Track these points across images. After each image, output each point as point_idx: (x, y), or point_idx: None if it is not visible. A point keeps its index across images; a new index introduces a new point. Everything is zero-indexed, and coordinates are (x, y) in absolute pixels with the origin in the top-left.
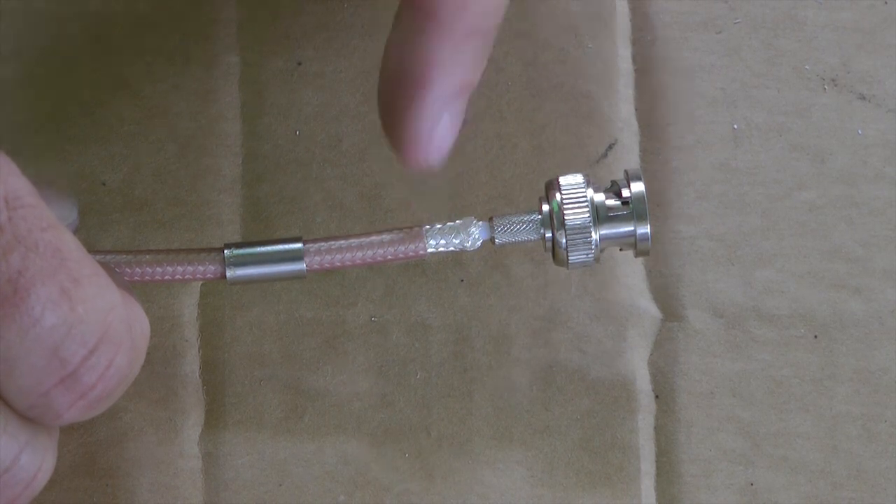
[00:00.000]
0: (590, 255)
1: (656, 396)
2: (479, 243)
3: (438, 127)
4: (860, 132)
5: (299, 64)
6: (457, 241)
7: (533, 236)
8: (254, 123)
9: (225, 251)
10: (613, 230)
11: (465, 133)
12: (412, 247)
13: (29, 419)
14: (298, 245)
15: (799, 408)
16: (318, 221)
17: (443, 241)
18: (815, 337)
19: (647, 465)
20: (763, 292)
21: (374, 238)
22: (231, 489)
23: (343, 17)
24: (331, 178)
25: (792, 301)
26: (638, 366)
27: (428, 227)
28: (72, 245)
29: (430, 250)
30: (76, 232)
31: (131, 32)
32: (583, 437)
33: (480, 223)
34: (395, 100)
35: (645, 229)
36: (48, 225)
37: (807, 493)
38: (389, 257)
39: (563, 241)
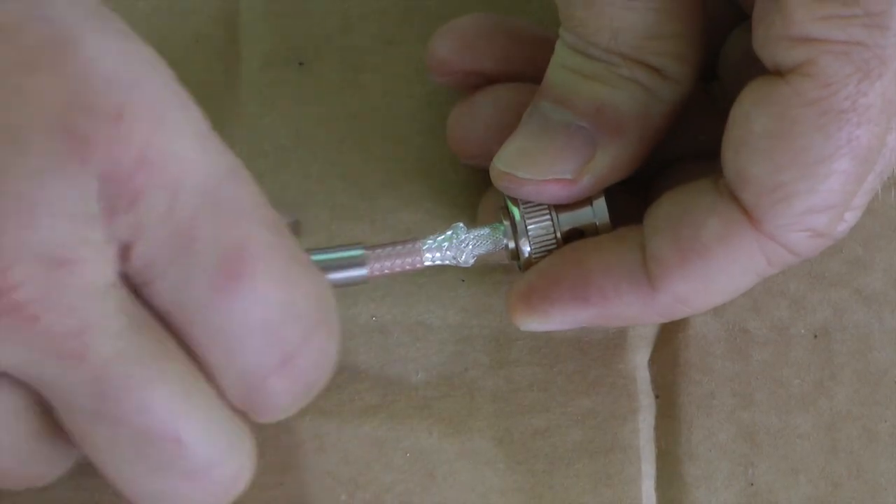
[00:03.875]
0: None
1: (656, 396)
2: (472, 260)
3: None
4: None
5: (300, 64)
6: (450, 254)
7: (496, 247)
8: (254, 123)
9: None
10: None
11: None
12: (409, 260)
13: (238, 413)
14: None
15: (799, 408)
16: (318, 222)
17: (438, 255)
18: (815, 337)
19: (648, 466)
20: (763, 292)
21: (378, 251)
22: None
23: (344, 18)
24: (331, 178)
25: (792, 301)
26: (638, 366)
27: (424, 240)
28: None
29: (426, 263)
30: None
31: None
32: (583, 437)
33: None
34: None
35: (605, 220)
36: (265, 202)
37: (807, 493)
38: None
39: (528, 248)
